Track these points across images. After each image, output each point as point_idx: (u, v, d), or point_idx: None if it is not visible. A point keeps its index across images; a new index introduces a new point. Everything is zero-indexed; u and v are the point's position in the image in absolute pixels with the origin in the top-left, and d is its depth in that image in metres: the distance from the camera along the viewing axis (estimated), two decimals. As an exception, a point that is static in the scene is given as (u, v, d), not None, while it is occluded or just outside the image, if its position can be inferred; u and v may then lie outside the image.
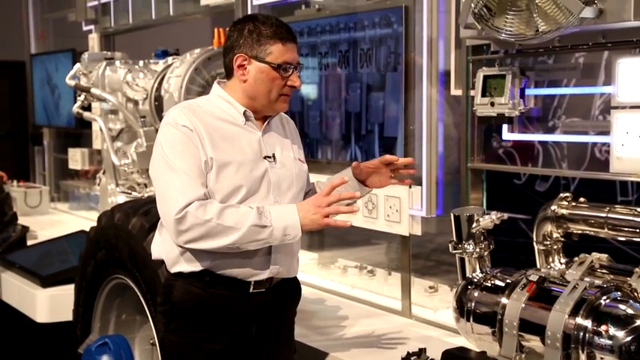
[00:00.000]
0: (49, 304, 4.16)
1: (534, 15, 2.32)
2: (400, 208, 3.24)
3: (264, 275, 2.34)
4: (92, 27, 5.95)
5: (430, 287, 3.48)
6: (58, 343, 4.48)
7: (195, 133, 2.28)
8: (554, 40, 2.52)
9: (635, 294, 2.19)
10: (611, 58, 2.45)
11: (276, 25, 2.34)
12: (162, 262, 2.44)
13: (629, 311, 2.08)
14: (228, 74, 2.40)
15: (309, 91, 3.76)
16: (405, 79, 3.19)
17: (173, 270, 2.37)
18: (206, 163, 2.27)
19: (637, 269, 2.27)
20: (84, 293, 3.74)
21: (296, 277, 2.51)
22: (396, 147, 3.27)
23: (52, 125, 6.79)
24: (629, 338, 2.03)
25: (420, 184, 3.16)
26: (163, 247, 2.38)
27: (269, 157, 2.36)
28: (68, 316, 3.93)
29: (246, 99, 2.37)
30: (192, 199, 2.21)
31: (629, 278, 2.26)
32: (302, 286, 2.59)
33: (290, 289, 2.48)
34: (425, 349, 2.53)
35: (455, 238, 2.54)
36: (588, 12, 2.24)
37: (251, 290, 2.34)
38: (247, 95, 2.37)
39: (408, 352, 2.51)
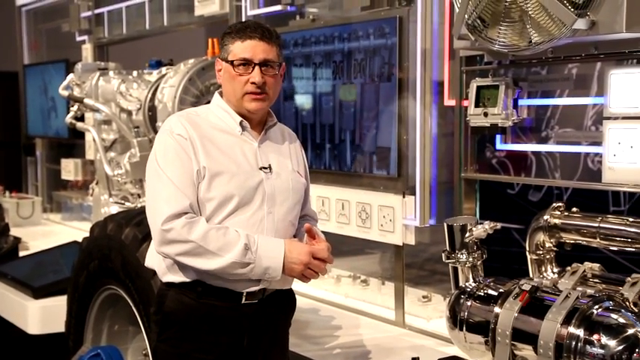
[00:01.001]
0: (41, 316, 4.14)
1: (527, 26, 2.34)
2: (394, 217, 3.24)
3: (256, 287, 2.33)
4: (86, 37, 5.96)
5: (423, 297, 3.48)
6: (50, 355, 4.45)
7: (189, 141, 2.28)
8: (547, 52, 2.53)
9: (627, 303, 2.19)
10: (604, 70, 2.46)
11: (245, 26, 2.34)
12: (154, 272, 2.44)
13: (621, 320, 2.09)
14: None
15: (303, 101, 3.77)
16: (399, 89, 3.21)
17: (164, 279, 2.37)
18: (198, 173, 2.27)
19: (629, 278, 2.27)
20: (76, 304, 3.72)
21: (291, 289, 2.50)
22: (389, 157, 3.28)
23: (45, 136, 6.77)
24: (620, 347, 2.04)
25: (414, 193, 3.17)
26: (156, 256, 2.38)
27: (265, 168, 2.36)
28: (60, 328, 3.92)
29: (228, 103, 2.38)
30: (176, 210, 2.21)
31: (621, 288, 2.27)
32: (296, 296, 2.58)
33: (284, 300, 2.47)
34: (418, 358, 2.53)
35: (448, 248, 2.54)
36: (581, 23, 2.26)
37: (243, 301, 2.33)
38: (225, 98, 2.39)
39: (401, 362, 2.52)
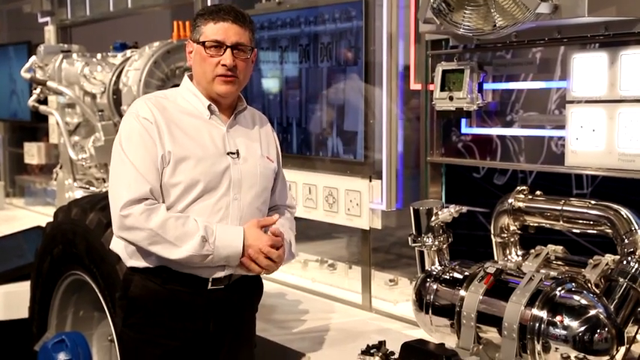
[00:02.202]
0: (4, 302, 4.10)
1: (492, 10, 2.34)
2: (360, 201, 3.25)
3: (222, 273, 2.31)
4: (48, 19, 5.85)
5: (390, 280, 3.50)
6: (14, 341, 4.39)
7: (154, 125, 2.25)
8: (512, 36, 2.55)
9: (589, 285, 2.23)
10: (567, 54, 2.49)
11: (218, 8, 2.31)
12: (120, 257, 2.41)
13: (583, 302, 2.12)
14: None
15: (270, 85, 3.74)
16: (365, 73, 3.20)
17: (128, 264, 2.35)
18: (163, 157, 2.24)
19: (591, 260, 2.31)
20: (40, 290, 3.68)
21: (258, 275, 2.50)
22: (356, 141, 3.28)
23: (7, 119, 6.65)
24: (582, 328, 2.07)
25: (380, 178, 3.18)
26: (121, 241, 2.35)
27: (232, 154, 2.33)
28: (24, 314, 3.87)
29: (198, 86, 2.35)
30: (135, 195, 2.18)
31: (583, 270, 2.30)
32: (263, 281, 2.58)
33: (251, 286, 2.46)
34: (384, 341, 2.54)
35: (414, 232, 2.56)
36: (544, 8, 2.27)
37: (209, 287, 2.32)
38: (195, 81, 2.36)
39: (367, 345, 2.52)
